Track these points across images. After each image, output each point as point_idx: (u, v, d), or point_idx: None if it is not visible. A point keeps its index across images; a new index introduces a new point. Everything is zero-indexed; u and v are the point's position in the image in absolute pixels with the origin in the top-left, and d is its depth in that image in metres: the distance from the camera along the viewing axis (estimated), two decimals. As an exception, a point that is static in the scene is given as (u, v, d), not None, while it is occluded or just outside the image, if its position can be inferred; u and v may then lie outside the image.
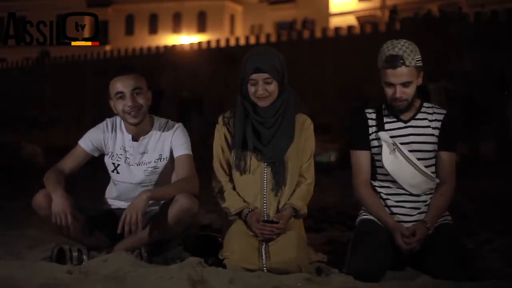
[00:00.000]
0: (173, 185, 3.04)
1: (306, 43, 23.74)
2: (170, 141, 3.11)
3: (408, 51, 2.80)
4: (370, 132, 2.98)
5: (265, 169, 3.00)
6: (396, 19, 24.40)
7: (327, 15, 34.38)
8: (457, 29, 19.49)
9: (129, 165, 3.13)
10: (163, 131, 3.13)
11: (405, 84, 2.82)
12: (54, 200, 2.84)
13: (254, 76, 2.89)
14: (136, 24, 39.92)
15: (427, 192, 2.93)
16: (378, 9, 32.93)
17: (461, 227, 3.69)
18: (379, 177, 2.99)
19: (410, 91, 2.84)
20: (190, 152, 3.10)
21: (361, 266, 2.69)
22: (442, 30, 19.78)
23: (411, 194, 2.91)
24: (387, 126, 2.94)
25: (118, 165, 3.14)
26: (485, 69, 17.25)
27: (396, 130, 2.93)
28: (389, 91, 2.86)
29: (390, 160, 2.88)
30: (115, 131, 3.16)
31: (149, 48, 29.78)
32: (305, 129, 3.05)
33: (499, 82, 10.62)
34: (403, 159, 2.86)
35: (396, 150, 2.87)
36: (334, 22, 32.26)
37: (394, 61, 2.79)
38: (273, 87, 2.92)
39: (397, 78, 2.81)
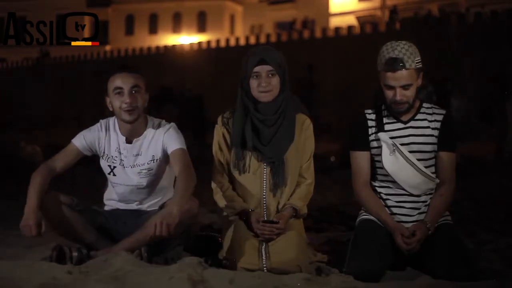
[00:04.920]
0: (181, 188, 2.92)
1: (306, 43, 23.72)
2: (162, 140, 3.10)
3: (408, 54, 2.80)
4: (370, 132, 2.98)
5: (265, 169, 2.99)
6: (396, 19, 24.38)
7: (327, 15, 34.35)
8: (457, 29, 19.49)
9: (124, 167, 3.13)
10: (155, 132, 3.13)
11: (405, 87, 2.82)
12: (25, 212, 2.85)
13: (257, 68, 2.89)
14: (136, 24, 39.88)
15: (427, 193, 2.92)
16: (378, 9, 32.90)
17: (461, 227, 3.70)
18: (379, 177, 2.99)
19: (410, 93, 2.84)
20: (184, 147, 3.09)
21: (361, 266, 2.69)
22: (442, 30, 19.77)
23: (411, 195, 2.91)
24: (386, 127, 2.94)
25: (114, 167, 3.14)
26: (485, 69, 17.25)
27: (396, 131, 2.93)
28: (389, 93, 2.86)
29: (390, 161, 2.88)
30: (109, 132, 3.16)
31: (149, 48, 29.76)
32: (304, 129, 3.05)
33: (499, 82, 10.61)
34: (403, 160, 2.86)
35: (396, 151, 2.87)
36: (334, 22, 32.23)
37: (394, 64, 2.79)
38: (275, 81, 2.92)
39: (397, 81, 2.81)
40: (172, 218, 2.73)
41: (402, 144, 2.89)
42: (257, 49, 2.97)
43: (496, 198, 5.48)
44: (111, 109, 3.10)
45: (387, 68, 2.81)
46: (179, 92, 15.04)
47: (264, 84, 2.91)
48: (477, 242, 3.56)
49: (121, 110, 3.03)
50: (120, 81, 3.03)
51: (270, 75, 2.91)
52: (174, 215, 2.74)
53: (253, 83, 2.93)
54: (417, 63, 2.82)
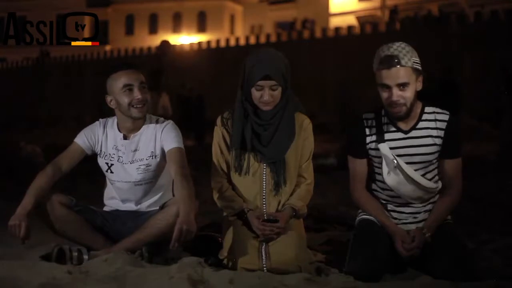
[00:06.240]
0: (186, 193, 2.88)
1: (306, 43, 23.72)
2: (160, 138, 3.11)
3: (404, 52, 2.70)
4: (368, 141, 2.89)
5: (264, 169, 2.99)
6: (396, 19, 24.38)
7: (327, 15, 34.36)
8: (457, 29, 19.50)
9: (123, 163, 3.13)
10: (153, 128, 3.13)
11: (401, 87, 2.70)
12: (17, 211, 2.86)
13: (261, 82, 2.87)
14: (136, 24, 39.90)
15: (430, 201, 2.90)
16: (378, 9, 32.90)
17: (461, 227, 3.69)
18: (378, 184, 2.94)
19: (408, 95, 2.71)
20: (181, 146, 3.09)
21: (361, 266, 2.69)
22: (442, 30, 19.77)
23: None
24: (386, 136, 2.84)
25: (112, 164, 3.14)
26: (485, 69, 17.25)
27: (396, 141, 2.83)
28: (384, 94, 2.74)
29: (391, 177, 2.81)
30: (106, 130, 3.16)
31: (149, 48, 29.76)
32: (304, 129, 3.04)
33: (500, 82, 10.62)
34: (404, 177, 2.79)
35: (397, 168, 2.78)
36: (334, 22, 32.25)
37: (389, 61, 2.68)
38: (277, 93, 2.91)
39: (393, 79, 2.69)
40: (193, 226, 2.73)
41: (402, 155, 2.80)
42: (263, 58, 2.89)
43: (496, 198, 5.48)
44: (113, 107, 3.09)
45: (382, 66, 2.70)
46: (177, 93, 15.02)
47: (267, 98, 2.89)
48: (477, 242, 3.56)
49: (130, 106, 3.03)
50: (128, 78, 3.03)
51: (273, 89, 2.90)
52: (194, 222, 2.75)
53: (255, 93, 2.91)
54: (414, 62, 2.71)
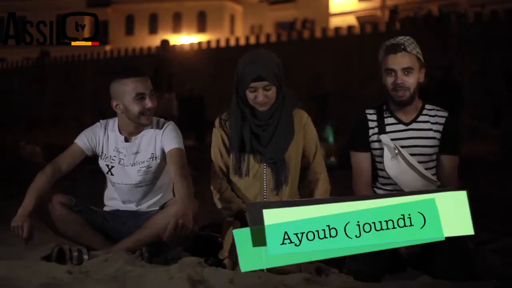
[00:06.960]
0: (185, 192, 2.91)
1: (306, 43, 23.71)
2: (161, 139, 3.11)
3: (409, 41, 2.85)
4: (371, 133, 2.96)
5: (265, 169, 2.99)
6: (396, 19, 24.35)
7: (327, 15, 34.36)
8: (457, 29, 19.50)
9: (124, 166, 3.13)
10: (154, 130, 3.14)
11: (406, 72, 2.82)
12: (19, 212, 2.87)
13: (254, 84, 2.88)
14: (136, 24, 39.89)
15: None
16: (378, 9, 32.90)
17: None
18: (380, 180, 2.97)
19: (412, 80, 2.83)
20: (182, 147, 3.10)
21: (361, 266, 2.69)
22: (442, 30, 19.77)
23: None
24: (388, 128, 2.91)
25: (112, 166, 3.15)
26: (485, 69, 17.26)
27: (397, 133, 2.91)
28: (389, 79, 2.85)
29: (392, 165, 2.86)
30: (107, 132, 3.17)
31: (149, 48, 29.75)
32: (303, 125, 3.04)
33: (500, 82, 10.63)
34: (405, 164, 2.84)
35: (398, 155, 2.84)
36: (334, 22, 32.24)
37: (396, 47, 2.83)
38: (272, 93, 2.92)
39: (398, 64, 2.82)
40: (189, 222, 2.75)
41: (403, 147, 2.87)
42: (254, 59, 2.90)
43: (496, 198, 5.48)
44: (120, 112, 3.09)
45: (388, 51, 2.84)
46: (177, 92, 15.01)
47: (261, 98, 2.91)
48: (477, 242, 3.56)
49: (141, 115, 3.05)
50: (141, 86, 3.04)
51: (266, 89, 2.90)
52: (191, 219, 2.77)
53: (250, 95, 2.92)
54: (418, 53, 2.84)
